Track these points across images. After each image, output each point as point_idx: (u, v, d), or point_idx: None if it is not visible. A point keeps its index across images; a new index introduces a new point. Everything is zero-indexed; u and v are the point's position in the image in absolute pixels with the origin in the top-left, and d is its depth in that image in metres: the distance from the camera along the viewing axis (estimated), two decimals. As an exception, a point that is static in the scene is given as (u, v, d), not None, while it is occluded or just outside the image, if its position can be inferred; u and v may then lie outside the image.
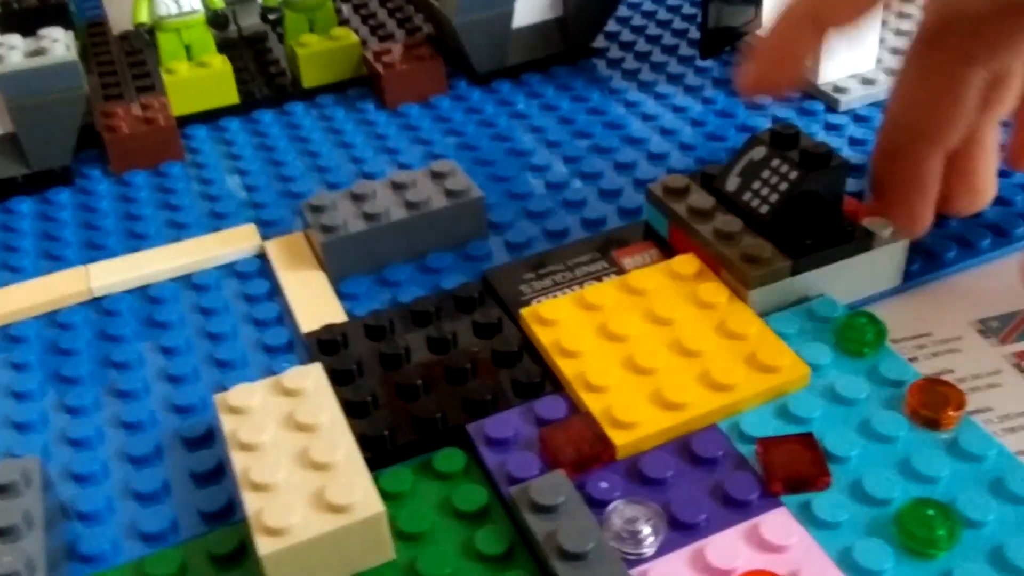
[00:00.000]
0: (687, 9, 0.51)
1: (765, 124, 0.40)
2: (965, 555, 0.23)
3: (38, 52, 0.36)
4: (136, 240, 0.37)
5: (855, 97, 0.41)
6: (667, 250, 0.32)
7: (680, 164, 0.39)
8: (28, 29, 0.38)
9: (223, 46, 0.46)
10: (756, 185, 0.31)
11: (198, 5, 0.43)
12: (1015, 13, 0.27)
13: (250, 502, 0.24)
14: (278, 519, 0.23)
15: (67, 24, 0.41)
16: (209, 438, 0.28)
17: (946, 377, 0.28)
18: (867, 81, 0.42)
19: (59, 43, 0.37)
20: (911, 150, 0.30)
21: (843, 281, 0.30)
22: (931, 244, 0.32)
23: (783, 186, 0.30)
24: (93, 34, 0.50)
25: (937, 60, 0.28)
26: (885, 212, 0.31)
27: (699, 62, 0.45)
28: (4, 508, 0.24)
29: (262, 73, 0.46)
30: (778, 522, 0.24)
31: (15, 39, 0.37)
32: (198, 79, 0.43)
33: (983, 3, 0.26)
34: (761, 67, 0.28)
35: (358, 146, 0.41)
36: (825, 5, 0.27)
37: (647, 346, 0.28)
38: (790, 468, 0.25)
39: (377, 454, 0.26)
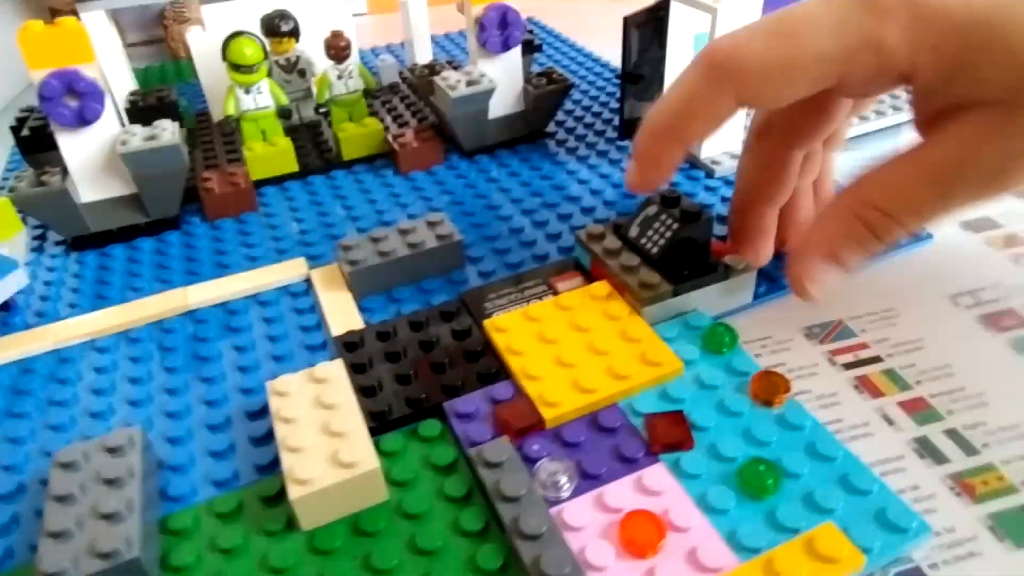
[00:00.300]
0: (612, 105, 0.51)
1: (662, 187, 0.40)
2: (787, 498, 0.23)
3: (152, 138, 0.36)
4: (222, 269, 0.36)
5: (726, 167, 0.41)
6: (589, 278, 0.32)
7: (603, 214, 0.38)
8: (147, 120, 0.38)
9: (288, 130, 0.45)
10: (650, 232, 0.31)
11: (270, 102, 0.43)
12: (817, 111, 0.27)
13: (285, 460, 0.24)
14: (304, 472, 0.23)
15: (175, 117, 0.41)
16: (264, 412, 0.28)
17: (779, 368, 0.28)
18: (734, 156, 0.41)
19: (167, 132, 0.36)
20: (754, 208, 0.30)
21: (710, 300, 0.30)
22: (772, 272, 0.32)
23: (668, 233, 0.30)
24: (200, 121, 0.50)
25: (768, 146, 0.29)
26: (739, 251, 0.31)
27: (618, 142, 0.45)
28: (113, 464, 0.24)
29: (315, 149, 0.46)
30: (656, 474, 0.24)
31: (137, 128, 0.37)
32: (269, 154, 0.43)
33: (796, 107, 0.25)
34: (639, 172, 0.27)
35: (380, 201, 0.41)
36: (682, 125, 0.26)
37: (570, 347, 0.28)
38: (666, 435, 0.25)
39: (380, 423, 0.26)
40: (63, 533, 0.22)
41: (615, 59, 0.58)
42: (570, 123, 0.48)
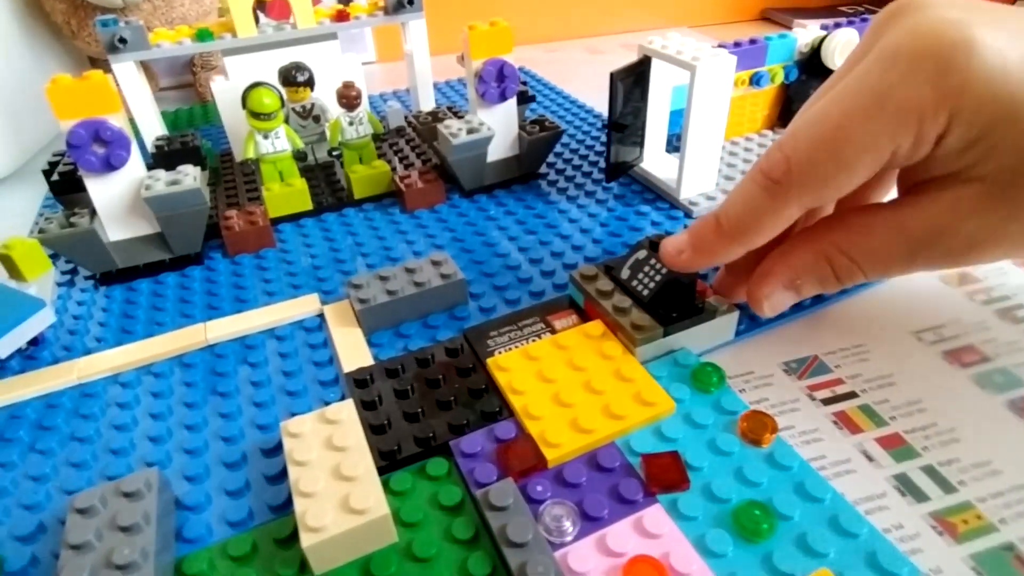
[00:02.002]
0: (598, 148, 0.48)
1: (646, 225, 0.38)
2: (781, 542, 0.20)
3: (175, 183, 0.33)
4: (241, 303, 0.34)
5: (703, 208, 0.39)
6: (584, 316, 0.30)
7: (592, 251, 0.36)
8: (171, 165, 0.35)
9: (304, 171, 0.43)
10: (640, 275, 0.28)
11: (287, 146, 0.40)
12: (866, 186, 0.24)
13: (298, 505, 0.21)
14: (316, 519, 0.20)
15: (198, 161, 0.38)
16: (278, 449, 0.25)
17: (762, 404, 0.26)
18: (710, 197, 0.39)
19: (189, 176, 0.34)
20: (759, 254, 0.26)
21: (696, 338, 0.28)
22: (750, 310, 0.30)
23: (658, 277, 0.27)
24: (223, 162, 0.47)
25: (769, 204, 0.23)
26: (726, 294, 0.28)
27: (604, 184, 0.43)
28: (130, 509, 0.21)
29: (329, 188, 0.43)
30: (655, 516, 0.21)
31: (161, 173, 0.34)
32: (286, 194, 0.40)
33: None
34: (694, 260, 0.26)
35: (388, 238, 0.38)
36: (750, 236, 0.24)
37: (568, 386, 0.25)
38: (663, 476, 0.22)
39: (390, 462, 0.24)
40: (76, 586, 0.19)
41: (597, 105, 0.56)
42: (560, 165, 0.46)
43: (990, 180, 0.20)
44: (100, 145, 0.32)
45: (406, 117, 0.52)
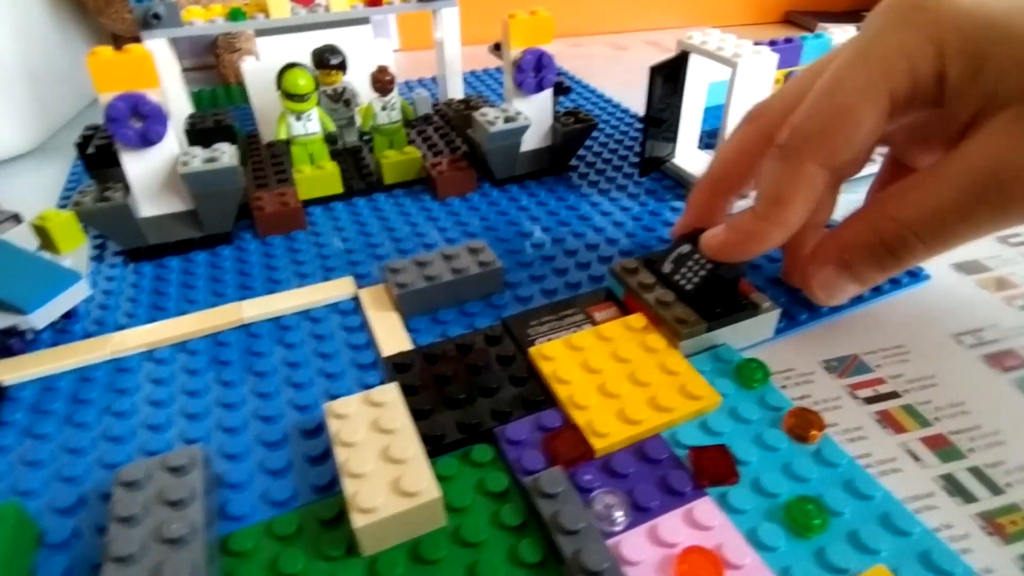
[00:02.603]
0: (627, 143, 0.48)
1: (676, 219, 0.37)
2: (833, 537, 0.20)
3: (212, 159, 0.33)
4: (273, 284, 0.33)
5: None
6: (623, 309, 0.30)
7: (626, 244, 0.36)
8: (206, 143, 0.35)
9: (334, 155, 0.42)
10: (683, 270, 0.28)
11: (319, 128, 0.40)
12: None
13: (348, 486, 0.21)
14: (368, 501, 0.20)
15: (232, 139, 0.38)
16: (319, 431, 0.25)
17: (805, 401, 0.26)
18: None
19: (226, 154, 0.33)
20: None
21: (737, 335, 0.28)
22: (790, 309, 0.30)
23: (702, 272, 0.27)
24: (250, 143, 0.47)
25: (788, 171, 0.24)
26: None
27: (636, 178, 0.42)
28: (176, 484, 0.21)
29: (358, 173, 0.43)
30: (705, 508, 0.21)
31: (197, 150, 0.34)
32: (317, 176, 0.40)
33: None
34: (731, 252, 0.26)
35: (420, 224, 0.38)
36: (784, 215, 0.24)
37: (613, 377, 0.25)
38: (712, 468, 0.22)
39: (434, 447, 0.23)
40: (128, 558, 0.19)
41: (624, 101, 0.56)
42: (589, 158, 0.45)
43: (1017, 100, 0.20)
44: (138, 119, 0.32)
45: (435, 105, 0.51)
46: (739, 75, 0.35)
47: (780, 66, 0.43)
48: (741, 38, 0.38)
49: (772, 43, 0.43)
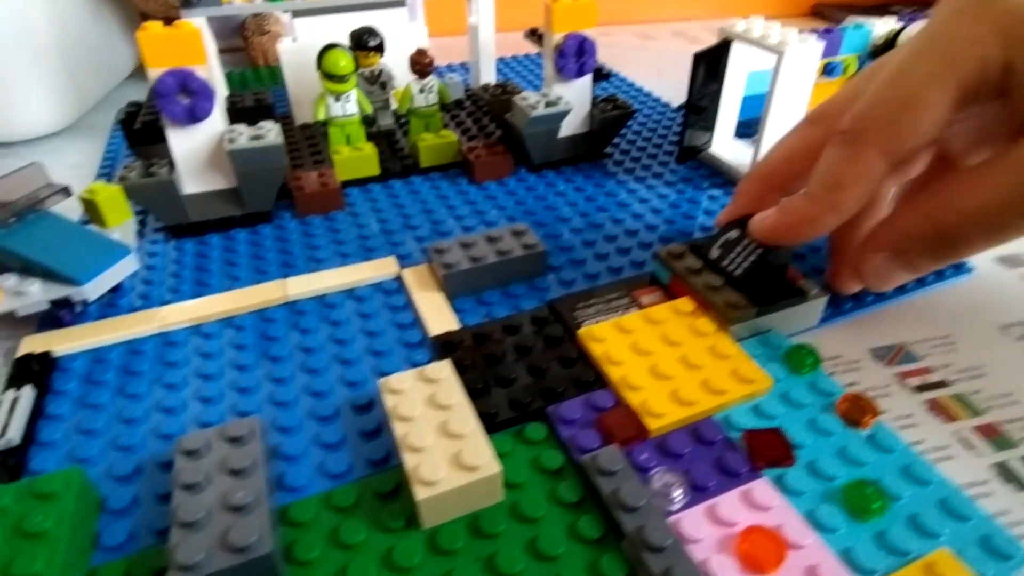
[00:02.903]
0: (660, 131, 0.48)
1: (717, 208, 0.37)
2: (893, 521, 0.20)
3: (258, 137, 0.33)
4: (315, 263, 0.33)
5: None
6: (668, 294, 0.30)
7: (666, 231, 0.36)
8: (250, 121, 0.35)
9: (369, 137, 0.42)
10: (732, 255, 0.28)
11: (356, 110, 0.40)
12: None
13: (409, 459, 0.21)
14: (430, 474, 0.20)
15: (273, 118, 0.38)
16: (371, 406, 0.25)
17: (854, 388, 0.26)
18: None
19: (272, 132, 0.33)
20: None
21: (784, 321, 0.28)
22: (834, 297, 0.30)
23: (752, 258, 0.27)
24: (284, 124, 0.47)
25: (849, 159, 0.24)
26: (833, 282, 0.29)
27: (673, 166, 0.42)
28: (237, 453, 0.21)
29: (393, 155, 0.43)
30: (763, 489, 0.21)
31: (243, 127, 0.34)
32: (355, 158, 0.40)
33: None
34: (782, 234, 0.26)
35: (458, 207, 0.38)
36: (839, 198, 0.24)
37: (665, 359, 0.25)
38: (768, 451, 0.22)
39: (488, 424, 0.23)
40: (194, 524, 0.19)
41: (655, 90, 0.56)
42: (624, 146, 0.45)
43: None
44: (185, 95, 0.32)
45: (467, 89, 0.51)
46: (785, 63, 0.34)
47: (827, 54, 0.43)
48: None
49: (812, 31, 0.43)
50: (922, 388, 0.26)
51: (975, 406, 0.25)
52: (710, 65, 0.38)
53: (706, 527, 0.20)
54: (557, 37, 0.38)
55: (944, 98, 0.21)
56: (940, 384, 0.26)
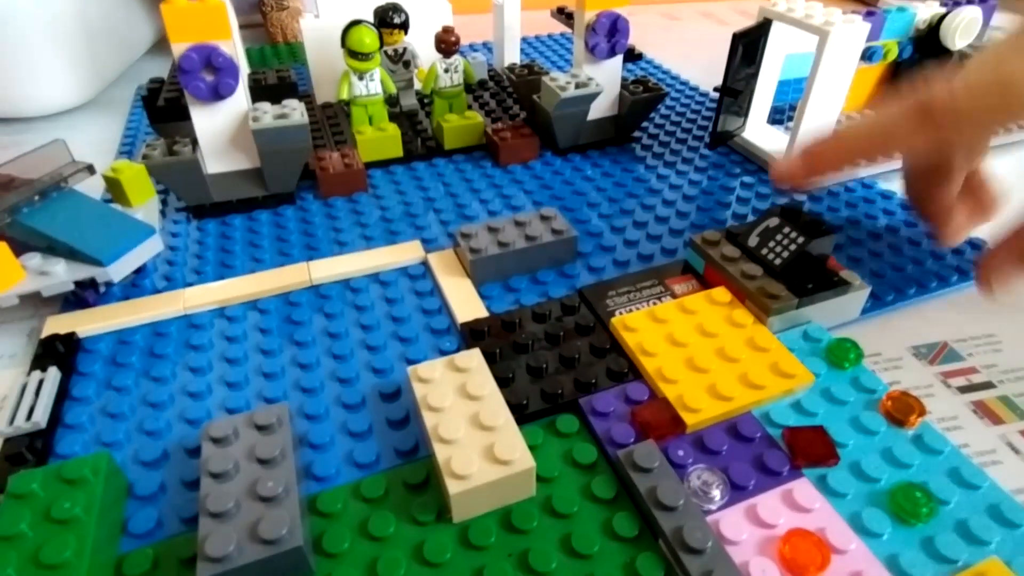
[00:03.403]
0: (689, 115, 0.47)
1: (751, 196, 0.36)
2: (941, 527, 0.19)
3: (283, 116, 0.32)
4: (339, 246, 0.33)
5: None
6: (703, 282, 0.29)
7: (697, 219, 0.35)
8: (273, 99, 0.34)
9: (391, 117, 0.41)
10: (771, 244, 0.27)
11: (380, 89, 0.39)
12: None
13: (440, 451, 0.20)
14: (462, 467, 0.19)
15: (297, 97, 0.37)
16: (398, 394, 0.24)
17: (896, 387, 0.25)
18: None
19: (296, 111, 0.33)
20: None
21: (824, 313, 0.27)
22: (876, 289, 0.29)
23: (793, 247, 0.26)
24: (306, 103, 0.46)
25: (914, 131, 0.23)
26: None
27: (703, 151, 0.41)
28: (266, 442, 0.21)
29: (416, 137, 0.42)
30: (805, 489, 0.20)
31: (267, 106, 0.33)
32: (378, 139, 0.39)
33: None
34: (801, 169, 0.25)
35: (482, 190, 0.37)
36: (870, 146, 0.24)
37: (701, 352, 0.24)
38: (810, 449, 0.21)
39: (518, 416, 0.23)
40: (223, 514, 0.19)
41: (682, 73, 0.54)
42: (652, 130, 0.44)
43: None
44: (209, 72, 0.31)
45: (490, 69, 0.50)
46: (829, 45, 0.33)
47: (872, 38, 0.41)
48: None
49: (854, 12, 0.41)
50: (967, 389, 0.25)
51: (1023, 409, 0.24)
52: (748, 47, 0.36)
53: (746, 528, 0.19)
54: (589, 15, 0.37)
55: None
56: (987, 385, 0.25)
